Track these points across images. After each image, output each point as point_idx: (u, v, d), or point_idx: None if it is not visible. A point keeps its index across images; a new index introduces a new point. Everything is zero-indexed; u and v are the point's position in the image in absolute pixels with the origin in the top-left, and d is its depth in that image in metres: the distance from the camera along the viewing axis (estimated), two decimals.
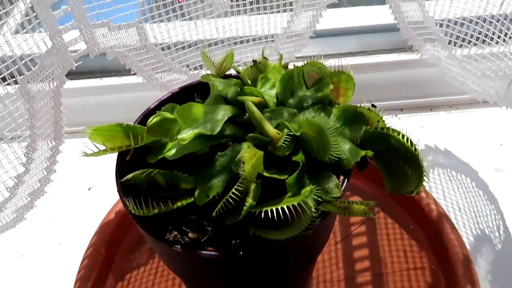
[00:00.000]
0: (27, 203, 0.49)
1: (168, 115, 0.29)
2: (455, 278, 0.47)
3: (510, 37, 0.51)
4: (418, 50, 0.64)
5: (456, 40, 0.56)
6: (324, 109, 0.32)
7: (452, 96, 0.70)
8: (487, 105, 0.68)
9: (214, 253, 0.27)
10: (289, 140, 0.29)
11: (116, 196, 0.52)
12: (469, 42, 0.54)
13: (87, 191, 0.62)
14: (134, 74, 0.69)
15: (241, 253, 0.27)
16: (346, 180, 0.31)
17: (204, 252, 0.28)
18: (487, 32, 0.52)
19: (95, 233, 0.52)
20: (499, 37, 0.51)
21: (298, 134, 0.30)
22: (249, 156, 0.26)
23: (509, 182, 0.60)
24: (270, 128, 0.29)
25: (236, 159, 0.27)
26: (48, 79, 0.46)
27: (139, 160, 0.33)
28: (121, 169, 0.33)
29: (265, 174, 0.28)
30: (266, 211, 0.27)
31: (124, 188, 0.31)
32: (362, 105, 0.33)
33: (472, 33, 0.54)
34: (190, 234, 0.28)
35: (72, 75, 0.59)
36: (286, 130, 0.29)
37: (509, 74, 0.54)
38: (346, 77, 0.35)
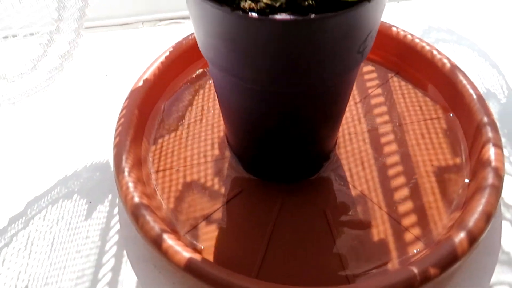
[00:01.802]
0: (58, 65, 0.49)
1: None
2: (471, 115, 0.51)
3: None
4: None
5: None
6: None
7: None
8: None
9: (289, 16, 0.29)
10: None
11: (134, 79, 0.54)
12: None
13: (105, 77, 0.63)
14: None
15: (314, 15, 0.29)
16: None
17: (279, 16, 0.29)
18: None
19: (126, 98, 0.53)
20: None
21: None
22: None
23: (507, 51, 0.64)
24: None
25: None
26: None
27: None
28: None
29: None
30: None
31: None
32: None
33: None
34: (264, 0, 0.30)
35: None
36: None
37: None
38: None
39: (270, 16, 0.29)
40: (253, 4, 0.30)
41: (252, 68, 0.34)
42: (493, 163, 0.45)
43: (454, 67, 0.55)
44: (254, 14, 0.30)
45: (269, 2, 0.30)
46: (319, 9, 0.30)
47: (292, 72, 0.34)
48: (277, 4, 0.30)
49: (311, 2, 0.29)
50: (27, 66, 0.46)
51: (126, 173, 0.46)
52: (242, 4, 0.30)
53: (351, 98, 0.57)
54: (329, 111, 0.42)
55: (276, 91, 0.37)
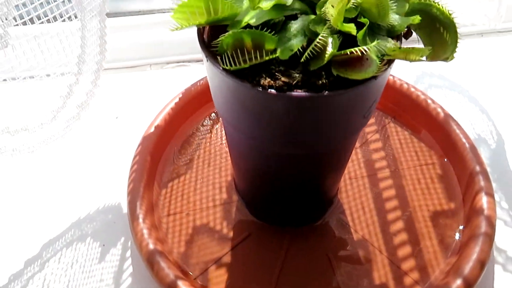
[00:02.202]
0: (75, 115, 0.52)
1: None
2: (464, 163, 0.54)
3: None
4: None
5: None
6: None
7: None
8: (472, 37, 0.77)
9: (305, 93, 0.32)
10: (354, 5, 0.35)
11: (145, 122, 0.56)
12: None
13: (115, 119, 0.65)
14: (149, 13, 0.73)
15: (327, 92, 0.33)
16: (399, 42, 0.37)
17: (295, 93, 0.33)
18: None
19: (139, 144, 0.55)
20: None
21: (360, 0, 0.35)
22: (336, 1, 0.31)
23: (497, 96, 0.68)
24: None
25: (323, 8, 0.32)
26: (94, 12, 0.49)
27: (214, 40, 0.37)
28: (203, 43, 0.37)
29: (344, 26, 0.33)
30: (345, 57, 0.33)
31: (212, 55, 0.36)
32: None
33: None
34: (282, 78, 0.33)
35: None
36: None
37: None
38: None
39: (288, 93, 0.33)
40: (272, 82, 0.33)
41: (267, 133, 0.37)
42: (486, 212, 0.49)
43: (447, 116, 0.59)
44: (273, 91, 0.33)
45: (286, 80, 0.33)
46: (331, 86, 0.33)
47: (304, 138, 0.37)
48: (294, 82, 0.33)
49: (324, 81, 0.33)
50: (47, 117, 0.49)
51: (140, 220, 0.48)
52: (262, 81, 0.33)
53: None
54: (333, 167, 0.45)
55: (287, 153, 0.40)
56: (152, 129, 0.57)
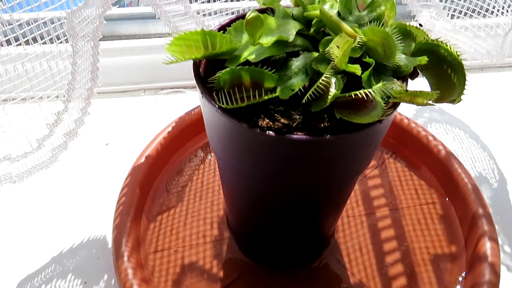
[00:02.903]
0: (62, 143, 0.49)
1: (259, 14, 0.32)
2: (466, 205, 0.52)
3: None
4: (416, 15, 0.70)
5: (450, 6, 0.63)
6: (381, 25, 0.36)
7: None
8: (472, 71, 0.76)
9: (306, 136, 0.30)
10: (360, 44, 0.33)
11: (136, 150, 0.54)
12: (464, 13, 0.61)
13: (105, 146, 0.63)
14: (145, 37, 0.72)
15: (328, 136, 0.30)
16: (405, 83, 0.35)
17: (295, 136, 0.30)
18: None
19: (128, 174, 0.53)
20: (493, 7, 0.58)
21: (365, 39, 0.33)
22: (342, 42, 0.30)
23: (497, 133, 0.67)
24: (348, 28, 0.32)
25: (328, 48, 0.31)
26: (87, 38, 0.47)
27: (211, 74, 0.35)
28: (199, 78, 0.35)
29: (349, 67, 0.31)
30: (349, 99, 0.31)
31: (207, 91, 0.34)
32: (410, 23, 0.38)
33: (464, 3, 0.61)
34: (282, 120, 0.31)
35: None
36: (359, 30, 0.33)
37: (499, 33, 0.61)
38: (391, 5, 0.39)
39: (287, 136, 0.30)
40: (270, 123, 0.31)
41: (264, 175, 0.35)
42: (490, 258, 0.46)
43: (449, 154, 0.57)
44: (272, 133, 0.31)
45: (286, 122, 0.31)
46: (333, 129, 0.31)
47: (301, 181, 0.35)
48: (294, 124, 0.31)
49: (326, 124, 0.31)
50: (32, 146, 0.46)
51: (125, 258, 0.45)
52: (260, 122, 0.31)
53: None
54: (332, 208, 0.43)
55: (283, 193, 0.37)
56: (143, 159, 0.54)
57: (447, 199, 0.56)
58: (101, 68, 0.66)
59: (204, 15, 0.58)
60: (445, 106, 0.71)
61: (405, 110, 0.64)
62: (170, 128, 0.58)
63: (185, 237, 0.52)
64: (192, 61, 0.36)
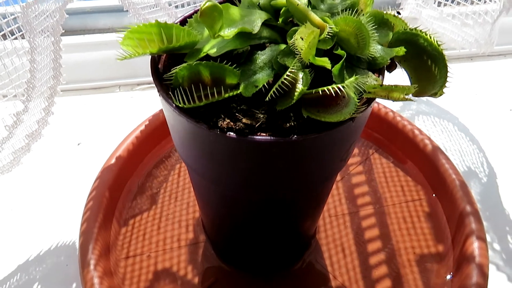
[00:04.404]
0: (24, 146, 0.46)
1: (216, 3, 0.29)
2: (454, 201, 0.49)
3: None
4: (402, 3, 0.67)
5: None
6: (355, 14, 0.33)
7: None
8: (461, 61, 0.73)
9: (270, 137, 0.28)
10: (330, 34, 0.30)
11: (108, 150, 0.51)
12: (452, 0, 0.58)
13: (76, 146, 0.60)
14: (120, 31, 0.68)
15: (295, 136, 0.28)
16: (381, 77, 0.32)
17: (258, 137, 0.28)
18: None
19: (97, 177, 0.50)
20: None
21: (337, 30, 0.31)
22: (307, 33, 0.27)
23: (486, 125, 0.64)
24: (316, 18, 0.29)
25: (292, 40, 0.28)
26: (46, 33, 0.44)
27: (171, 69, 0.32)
28: (156, 74, 0.32)
29: (316, 60, 0.28)
30: (317, 95, 0.28)
31: (164, 89, 0.31)
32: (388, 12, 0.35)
33: None
34: (244, 120, 0.28)
35: None
36: (329, 20, 0.30)
37: (488, 20, 0.58)
38: None
39: (249, 137, 0.28)
40: (231, 123, 0.28)
41: (229, 178, 0.32)
42: (477, 259, 0.44)
43: (436, 148, 0.54)
44: (233, 134, 0.28)
45: (248, 122, 0.28)
46: (301, 129, 0.28)
47: (271, 184, 0.32)
48: (257, 124, 0.28)
49: (293, 124, 0.28)
50: None
51: (92, 266, 0.43)
52: (220, 122, 0.28)
53: None
54: (308, 212, 0.40)
55: (254, 198, 0.35)
56: (113, 160, 0.51)
57: (433, 195, 0.53)
58: (73, 64, 0.63)
59: (176, 6, 0.55)
60: (433, 98, 0.68)
61: (391, 103, 0.61)
62: (143, 127, 0.55)
63: (158, 241, 0.49)
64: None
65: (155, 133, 0.55)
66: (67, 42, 0.65)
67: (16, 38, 0.41)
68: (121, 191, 0.52)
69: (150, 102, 0.65)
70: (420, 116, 0.66)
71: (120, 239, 0.49)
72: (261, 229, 0.41)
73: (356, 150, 0.59)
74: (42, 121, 0.47)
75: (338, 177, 0.56)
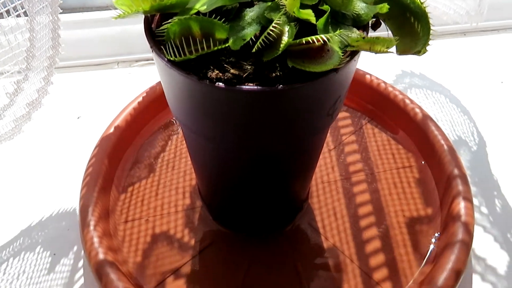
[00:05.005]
0: (25, 114, 0.48)
1: None
2: (442, 166, 0.51)
3: None
4: None
5: None
6: None
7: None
8: (455, 36, 0.74)
9: (257, 87, 0.29)
10: None
11: (107, 123, 0.53)
12: None
13: (76, 120, 0.62)
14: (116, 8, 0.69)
15: (281, 85, 0.29)
16: (365, 33, 0.34)
17: (246, 86, 0.29)
18: None
19: (96, 145, 0.52)
20: None
21: None
22: None
23: (478, 97, 0.65)
24: None
25: None
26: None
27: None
28: (149, 31, 0.34)
29: (301, 13, 0.30)
30: (302, 47, 0.29)
31: (157, 44, 0.32)
32: None
33: None
34: (232, 71, 0.29)
35: None
36: None
37: None
38: None
39: (238, 87, 0.29)
40: (220, 74, 0.29)
41: (221, 132, 0.34)
42: (463, 218, 0.46)
43: (425, 116, 0.56)
44: (221, 84, 0.29)
45: (236, 73, 0.29)
46: (286, 79, 0.30)
47: (260, 138, 0.34)
48: (244, 75, 0.30)
49: (278, 73, 0.29)
50: None
51: (91, 227, 0.44)
52: (209, 73, 0.30)
53: (325, 145, 0.57)
54: (299, 170, 0.41)
55: (245, 155, 0.36)
56: (112, 130, 0.53)
57: (423, 162, 0.55)
58: (73, 41, 0.65)
59: None
60: (426, 71, 0.70)
61: (385, 76, 0.63)
62: (140, 98, 0.57)
63: (156, 207, 0.51)
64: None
65: (152, 104, 0.57)
66: (67, 19, 0.68)
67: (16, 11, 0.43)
68: (119, 159, 0.53)
69: (148, 78, 0.67)
70: (413, 89, 0.67)
71: (119, 205, 0.51)
72: (253, 189, 0.43)
73: (349, 121, 0.60)
74: (42, 90, 0.48)
75: (331, 146, 0.57)
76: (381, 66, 0.68)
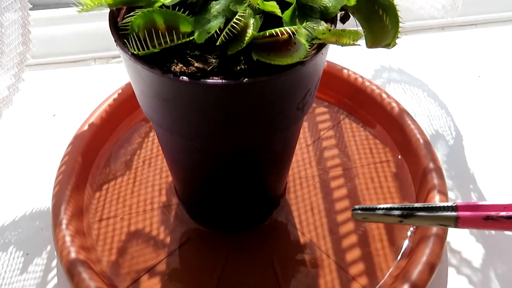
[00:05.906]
0: None
1: None
2: (418, 159, 0.51)
3: None
4: None
5: None
6: None
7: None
8: (433, 30, 0.75)
9: (221, 80, 0.29)
10: None
11: (83, 120, 0.52)
12: None
13: (51, 117, 0.61)
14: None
15: (246, 79, 0.29)
16: (333, 26, 0.33)
17: (210, 80, 0.29)
18: None
19: (70, 143, 0.51)
20: None
21: None
22: None
23: (455, 91, 0.66)
24: None
25: None
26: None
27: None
28: (114, 26, 0.33)
29: (265, 5, 0.29)
30: (268, 41, 0.29)
31: (121, 38, 0.32)
32: None
33: None
34: (196, 64, 0.29)
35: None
36: None
37: None
38: None
39: (202, 80, 0.29)
40: (184, 68, 0.29)
41: (189, 127, 0.34)
42: None
43: (402, 110, 0.56)
44: (185, 78, 0.29)
45: (200, 66, 0.29)
46: (252, 73, 0.29)
47: (229, 132, 0.33)
48: (209, 68, 0.29)
49: (243, 67, 0.29)
50: None
51: (63, 226, 0.44)
52: (173, 67, 0.29)
53: (302, 140, 0.57)
54: (274, 163, 0.41)
55: (217, 150, 0.36)
56: (86, 127, 0.52)
57: (400, 156, 0.55)
58: (48, 38, 0.64)
59: None
60: (404, 66, 0.70)
61: (363, 71, 0.63)
62: (116, 95, 0.56)
63: (132, 204, 0.50)
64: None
65: (127, 102, 0.56)
66: (41, 16, 0.66)
67: None
68: (94, 157, 0.52)
69: (125, 75, 0.66)
70: (391, 84, 0.67)
71: (94, 203, 0.50)
72: (226, 186, 0.42)
73: (327, 116, 0.60)
74: (13, 87, 0.48)
75: (309, 141, 0.57)
76: (359, 61, 0.68)
